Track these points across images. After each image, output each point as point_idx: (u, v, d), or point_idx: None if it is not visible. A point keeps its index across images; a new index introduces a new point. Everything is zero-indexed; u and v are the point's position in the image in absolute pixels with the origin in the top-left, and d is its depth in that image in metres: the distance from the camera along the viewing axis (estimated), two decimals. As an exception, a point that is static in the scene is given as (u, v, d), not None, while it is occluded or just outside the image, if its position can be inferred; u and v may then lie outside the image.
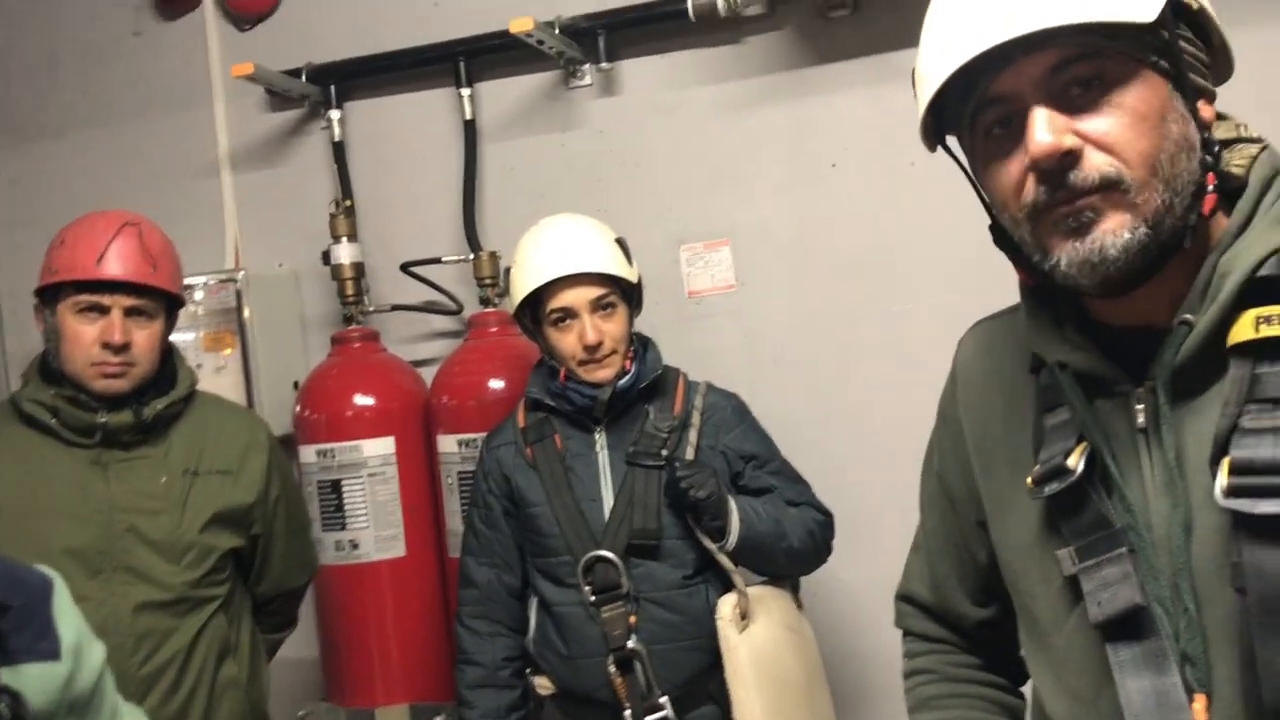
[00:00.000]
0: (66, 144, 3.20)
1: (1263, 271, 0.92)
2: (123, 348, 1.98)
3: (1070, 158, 0.92)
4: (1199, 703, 0.94)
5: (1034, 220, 0.96)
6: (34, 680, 1.18)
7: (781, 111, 2.66)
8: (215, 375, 2.82)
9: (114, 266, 1.97)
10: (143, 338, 2.01)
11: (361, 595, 2.63)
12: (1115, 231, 0.92)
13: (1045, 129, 0.91)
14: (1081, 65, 0.92)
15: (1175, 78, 0.94)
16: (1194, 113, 0.96)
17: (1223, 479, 0.90)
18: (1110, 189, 0.92)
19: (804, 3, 2.61)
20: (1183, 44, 0.95)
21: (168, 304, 2.08)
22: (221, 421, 2.17)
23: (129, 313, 2.00)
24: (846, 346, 2.63)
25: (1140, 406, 0.99)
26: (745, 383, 2.38)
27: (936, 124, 1.04)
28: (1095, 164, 0.92)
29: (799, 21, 2.64)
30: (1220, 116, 1.01)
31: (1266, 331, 0.91)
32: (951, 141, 1.07)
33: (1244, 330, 0.92)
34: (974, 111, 0.98)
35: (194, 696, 2.02)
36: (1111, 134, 0.92)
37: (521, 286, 2.14)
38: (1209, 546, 0.94)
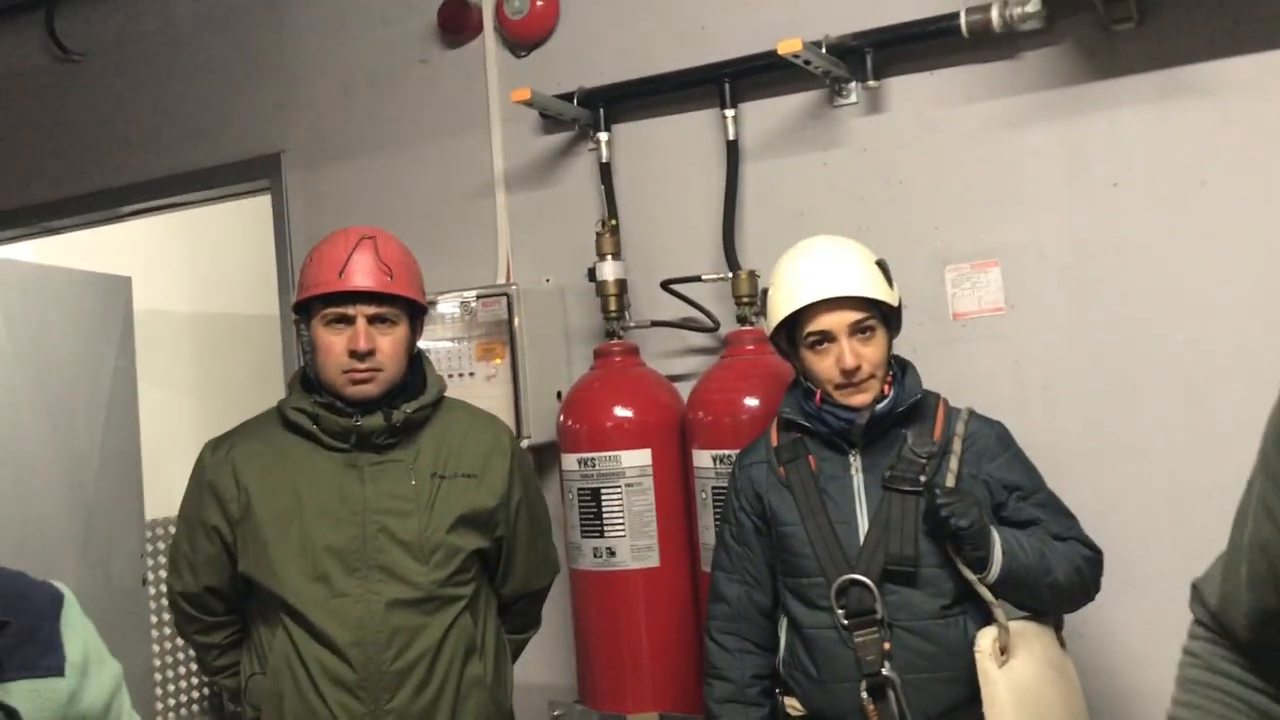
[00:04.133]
0: (356, 166, 3.45)
1: None
2: (368, 354, 2.07)
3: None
4: None
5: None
6: (32, 696, 1.16)
7: (1058, 128, 2.56)
8: (486, 383, 2.98)
9: (354, 278, 2.07)
10: (387, 344, 2.10)
11: (616, 602, 2.70)
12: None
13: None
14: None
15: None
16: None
17: None
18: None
19: (1086, 16, 2.49)
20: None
21: (410, 311, 2.16)
22: (468, 427, 2.24)
23: (372, 321, 2.09)
24: (1125, 376, 2.49)
25: None
26: (1011, 410, 2.29)
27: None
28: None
29: (1080, 36, 2.52)
30: None
31: None
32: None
33: None
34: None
35: (441, 693, 2.09)
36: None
37: (779, 308, 2.13)
38: None
